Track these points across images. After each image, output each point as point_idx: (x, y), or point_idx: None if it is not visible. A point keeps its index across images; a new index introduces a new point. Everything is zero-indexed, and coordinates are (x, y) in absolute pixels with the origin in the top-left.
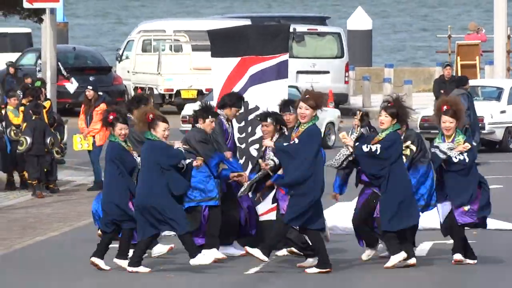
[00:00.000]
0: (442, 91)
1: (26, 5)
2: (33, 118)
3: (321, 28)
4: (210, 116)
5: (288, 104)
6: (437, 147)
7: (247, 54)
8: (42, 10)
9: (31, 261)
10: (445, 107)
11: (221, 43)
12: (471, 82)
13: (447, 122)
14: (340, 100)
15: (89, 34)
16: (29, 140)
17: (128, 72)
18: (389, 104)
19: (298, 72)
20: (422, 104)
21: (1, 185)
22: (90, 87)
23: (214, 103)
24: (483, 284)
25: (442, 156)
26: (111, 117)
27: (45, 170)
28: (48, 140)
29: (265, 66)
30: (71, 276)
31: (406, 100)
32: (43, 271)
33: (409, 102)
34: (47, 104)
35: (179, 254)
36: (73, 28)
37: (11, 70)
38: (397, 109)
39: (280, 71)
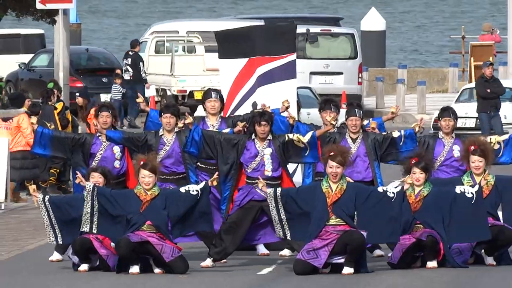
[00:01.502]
0: (488, 90)
1: (39, 6)
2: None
3: (334, 29)
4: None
5: (329, 102)
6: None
7: (255, 55)
8: (55, 11)
9: (43, 262)
10: (472, 147)
11: (228, 44)
12: None
13: (477, 161)
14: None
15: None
16: None
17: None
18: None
19: (312, 73)
20: (435, 105)
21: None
22: (77, 94)
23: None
24: (494, 283)
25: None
26: None
27: (57, 170)
28: None
29: (273, 67)
30: (83, 276)
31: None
32: (55, 271)
33: (422, 103)
34: (59, 106)
35: (189, 255)
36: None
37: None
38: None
39: (288, 71)
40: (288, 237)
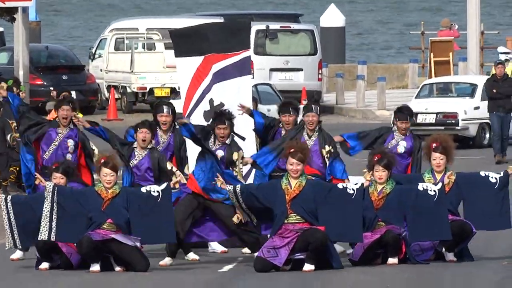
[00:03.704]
0: (494, 90)
1: None
2: None
3: (294, 26)
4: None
5: (287, 105)
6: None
7: (210, 52)
8: (14, 9)
9: (4, 261)
10: (434, 145)
11: (183, 42)
12: (444, 79)
13: (438, 159)
14: (313, 97)
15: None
16: None
17: (101, 70)
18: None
19: (272, 70)
20: (395, 101)
21: None
22: (52, 88)
23: (182, 103)
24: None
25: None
26: None
27: (17, 169)
28: (8, 137)
29: (228, 63)
30: (44, 275)
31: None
32: (16, 271)
33: (382, 99)
34: None
35: (150, 253)
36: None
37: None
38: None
39: (243, 68)
40: (255, 222)
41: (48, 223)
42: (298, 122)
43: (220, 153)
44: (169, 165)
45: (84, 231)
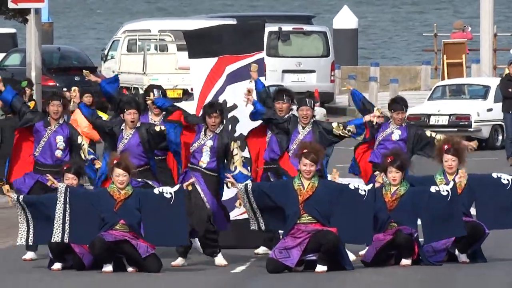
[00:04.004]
0: (510, 90)
1: (10, 5)
2: (3, 116)
3: (306, 27)
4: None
5: (282, 92)
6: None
7: (223, 54)
8: (27, 10)
9: (16, 261)
10: (446, 146)
11: (197, 44)
12: (457, 81)
13: (450, 160)
14: (326, 99)
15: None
16: None
17: (113, 72)
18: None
19: (284, 71)
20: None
21: None
22: (65, 89)
23: (195, 104)
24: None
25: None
26: None
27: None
28: None
29: (241, 65)
30: (57, 275)
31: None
32: (29, 271)
33: None
34: (31, 104)
35: (162, 254)
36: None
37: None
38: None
39: (257, 69)
40: (263, 228)
41: (61, 225)
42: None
43: (209, 143)
44: (157, 128)
45: (97, 232)
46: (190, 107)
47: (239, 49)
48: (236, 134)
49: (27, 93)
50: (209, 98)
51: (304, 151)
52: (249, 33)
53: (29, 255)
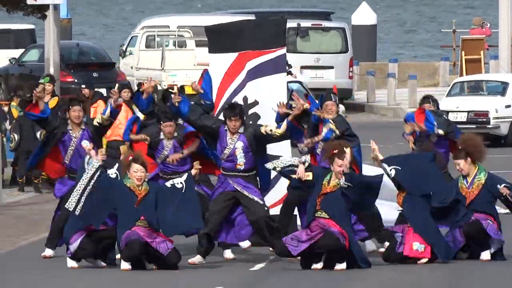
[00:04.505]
0: None
1: (29, 1)
2: (21, 113)
3: (325, 23)
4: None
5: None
6: None
7: (244, 49)
8: (46, 6)
9: (36, 258)
10: (453, 153)
11: (218, 39)
12: (475, 77)
13: (457, 165)
14: (344, 95)
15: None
16: (17, 136)
17: (132, 68)
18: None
19: (302, 67)
20: None
21: (6, 182)
22: (83, 86)
23: (213, 99)
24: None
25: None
26: None
27: None
28: (38, 134)
29: (263, 61)
30: (75, 273)
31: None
32: (48, 268)
33: (413, 97)
34: (54, 100)
35: (182, 251)
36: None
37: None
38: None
39: (278, 65)
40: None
41: (78, 196)
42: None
43: (239, 145)
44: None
45: (103, 218)
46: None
47: (261, 45)
48: None
49: (47, 89)
50: (227, 94)
51: (335, 151)
52: (271, 29)
53: (48, 252)
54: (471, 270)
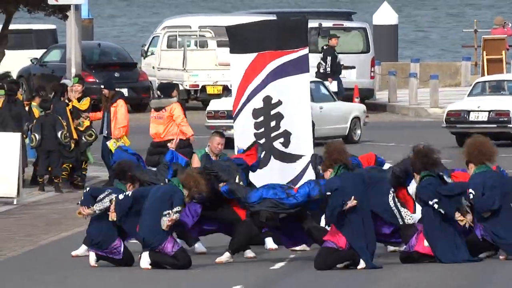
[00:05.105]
0: None
1: (51, 1)
2: (42, 113)
3: (347, 23)
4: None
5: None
6: None
7: (265, 49)
8: (67, 7)
9: (56, 257)
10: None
11: (239, 39)
12: (497, 77)
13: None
14: (366, 95)
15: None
16: (37, 136)
17: (153, 68)
18: None
19: None
20: (448, 99)
21: (27, 182)
22: (102, 86)
23: (233, 100)
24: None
25: None
26: None
27: (70, 166)
28: (59, 134)
29: (285, 61)
30: (96, 272)
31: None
32: (68, 267)
33: (435, 97)
34: (86, 101)
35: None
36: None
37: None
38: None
39: (301, 65)
40: None
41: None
42: None
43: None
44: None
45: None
46: (230, 103)
47: (283, 45)
48: (280, 131)
49: (77, 89)
50: (246, 94)
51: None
52: (293, 29)
53: (81, 250)
54: (491, 271)
